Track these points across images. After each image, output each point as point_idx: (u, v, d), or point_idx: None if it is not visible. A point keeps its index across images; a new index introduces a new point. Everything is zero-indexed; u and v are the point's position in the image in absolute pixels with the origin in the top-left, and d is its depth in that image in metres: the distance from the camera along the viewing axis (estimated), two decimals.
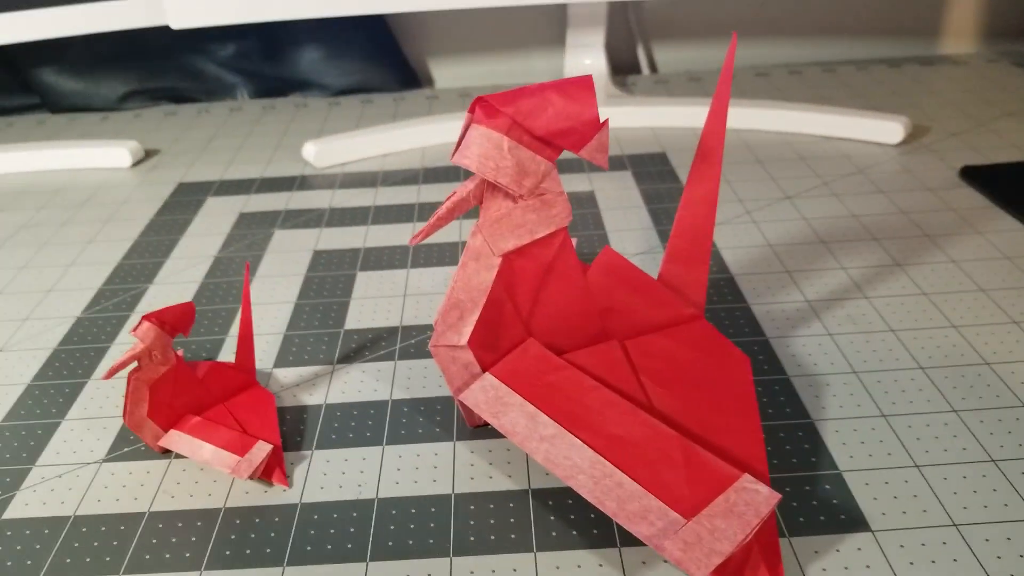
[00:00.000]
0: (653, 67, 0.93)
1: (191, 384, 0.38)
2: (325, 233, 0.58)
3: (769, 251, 0.52)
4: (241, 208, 0.62)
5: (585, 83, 0.33)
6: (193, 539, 0.34)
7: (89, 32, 0.69)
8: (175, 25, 0.67)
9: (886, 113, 0.68)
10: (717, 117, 0.37)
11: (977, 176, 0.59)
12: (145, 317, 0.35)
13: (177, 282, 0.53)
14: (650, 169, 0.65)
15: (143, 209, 0.63)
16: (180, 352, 0.39)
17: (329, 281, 0.52)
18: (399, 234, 0.57)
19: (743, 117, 0.71)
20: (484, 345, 0.35)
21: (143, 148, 0.73)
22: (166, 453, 0.38)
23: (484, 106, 0.32)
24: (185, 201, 0.64)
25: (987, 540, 0.31)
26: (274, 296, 0.50)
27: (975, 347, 0.42)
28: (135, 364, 0.35)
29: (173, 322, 0.36)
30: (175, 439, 0.37)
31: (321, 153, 0.69)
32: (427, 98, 0.84)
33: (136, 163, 0.71)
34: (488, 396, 0.34)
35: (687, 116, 0.73)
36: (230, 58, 0.87)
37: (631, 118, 0.74)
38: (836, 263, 0.50)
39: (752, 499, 0.29)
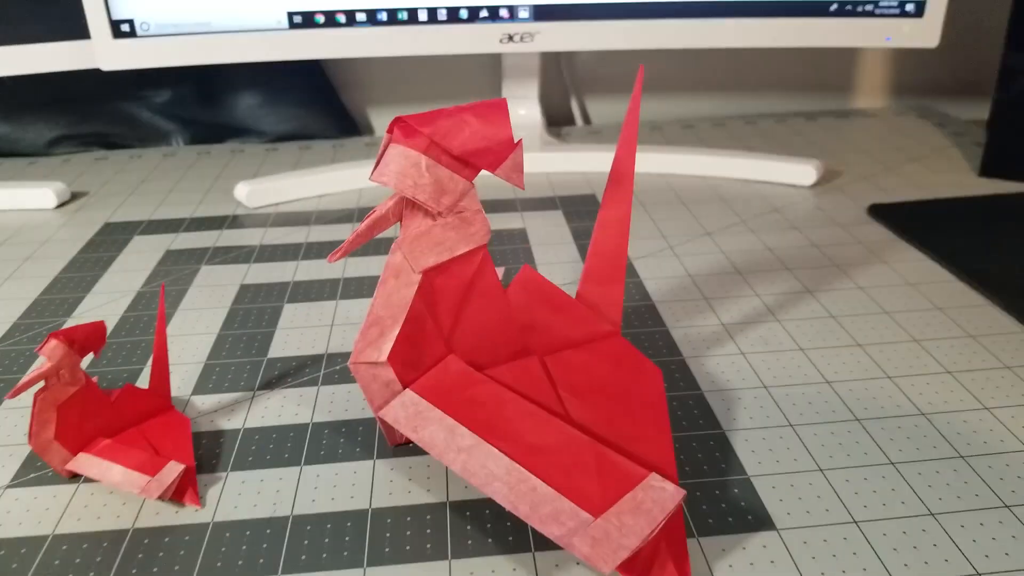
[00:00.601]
0: (587, 119, 0.96)
1: (102, 406, 0.37)
2: (254, 268, 0.57)
3: (689, 281, 0.54)
4: (168, 246, 0.62)
5: (499, 105, 0.35)
6: (98, 559, 0.32)
7: (15, 74, 0.69)
8: (105, 67, 0.67)
9: (801, 158, 0.71)
10: (627, 143, 0.39)
11: (884, 213, 0.62)
12: (52, 335, 0.34)
13: (97, 316, 0.52)
14: (580, 208, 0.66)
15: (66, 248, 0.62)
16: (95, 379, 0.38)
17: (255, 312, 0.51)
18: (330, 268, 0.57)
19: (668, 163, 0.74)
20: (405, 362, 0.35)
21: (70, 190, 0.73)
22: (74, 478, 0.37)
23: (402, 126, 0.33)
24: (110, 240, 0.63)
25: (885, 535, 0.32)
26: (196, 328, 0.50)
27: (879, 363, 0.44)
28: (42, 384, 0.35)
29: (82, 341, 0.35)
30: (84, 462, 0.36)
31: (253, 193, 0.69)
32: (366, 145, 0.85)
33: (61, 204, 0.70)
34: (408, 412, 0.34)
35: None
36: (165, 104, 0.87)
37: (563, 163, 0.76)
38: (751, 291, 0.52)
39: (659, 496, 0.29)
